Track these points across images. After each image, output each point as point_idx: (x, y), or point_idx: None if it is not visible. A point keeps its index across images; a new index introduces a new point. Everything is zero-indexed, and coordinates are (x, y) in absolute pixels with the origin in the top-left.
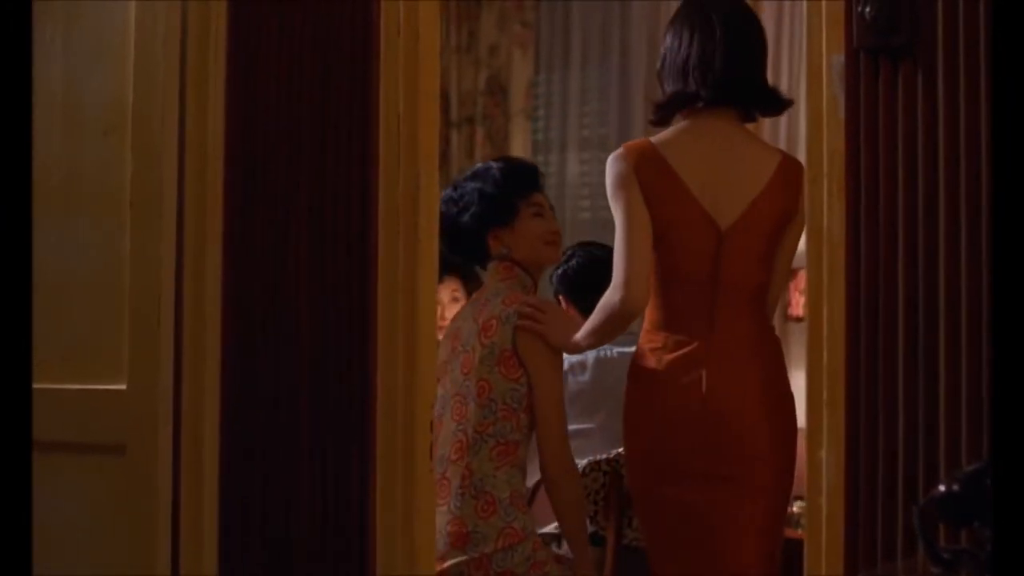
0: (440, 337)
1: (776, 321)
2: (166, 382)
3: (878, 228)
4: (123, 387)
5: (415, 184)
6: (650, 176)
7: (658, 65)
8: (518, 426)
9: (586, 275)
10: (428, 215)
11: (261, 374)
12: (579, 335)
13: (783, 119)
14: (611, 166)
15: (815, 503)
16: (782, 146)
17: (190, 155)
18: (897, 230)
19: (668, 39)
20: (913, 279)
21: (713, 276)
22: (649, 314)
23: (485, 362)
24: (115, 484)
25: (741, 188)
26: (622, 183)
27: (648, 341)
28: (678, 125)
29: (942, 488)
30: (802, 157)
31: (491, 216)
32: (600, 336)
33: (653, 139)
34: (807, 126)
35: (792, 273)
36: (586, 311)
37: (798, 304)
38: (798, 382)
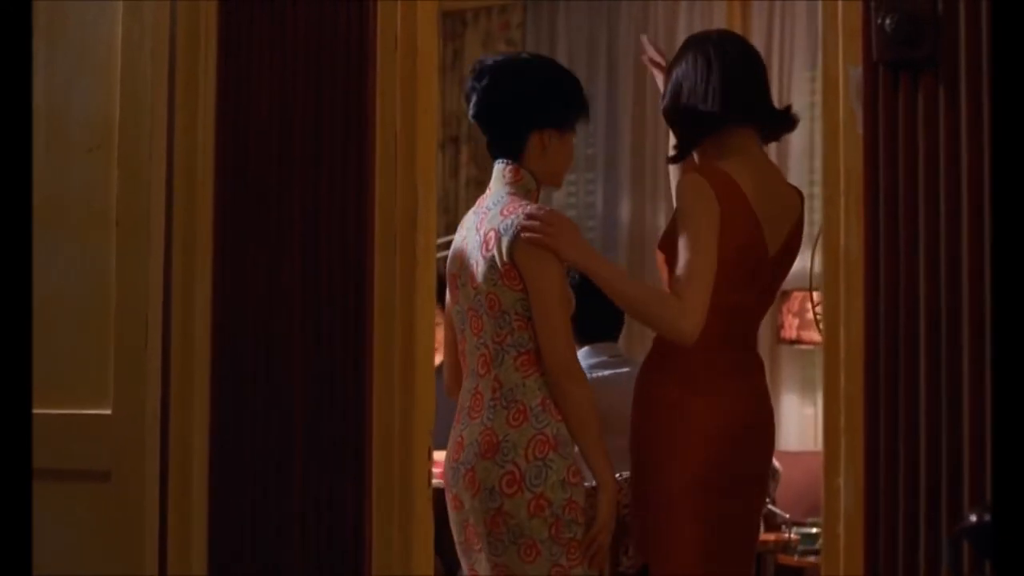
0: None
1: (766, 343)
2: (153, 407)
3: (898, 248)
4: (108, 412)
5: (413, 204)
6: (731, 204)
7: (665, 102)
8: (534, 335)
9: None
10: (426, 236)
11: (252, 399)
12: (610, 278)
13: None
14: (697, 187)
15: (832, 531)
16: (772, 147)
17: (178, 172)
18: (918, 250)
19: (679, 73)
20: (935, 300)
21: (757, 300)
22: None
23: (488, 276)
24: (100, 513)
25: (783, 219)
26: (707, 209)
27: (703, 359)
28: (729, 157)
29: (972, 518)
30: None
31: (552, 113)
32: (627, 306)
33: (721, 166)
34: (823, 141)
35: (785, 295)
36: (578, 337)
37: (791, 327)
38: (788, 403)
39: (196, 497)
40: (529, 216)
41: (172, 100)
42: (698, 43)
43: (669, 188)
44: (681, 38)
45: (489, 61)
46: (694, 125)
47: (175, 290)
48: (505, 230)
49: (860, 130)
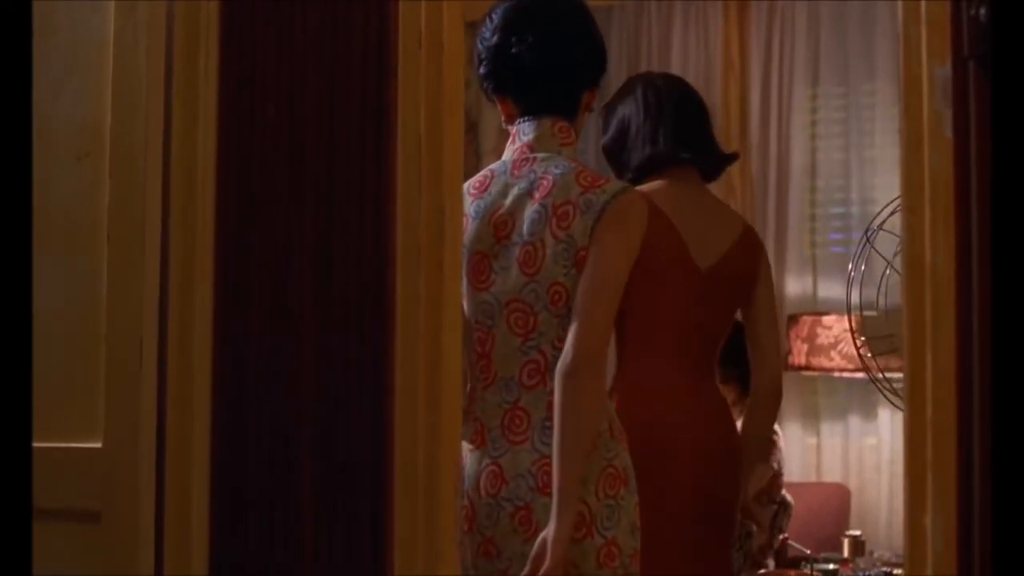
0: None
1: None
2: (148, 440)
3: (993, 263)
4: (98, 445)
5: (439, 215)
6: (651, 223)
7: (607, 139)
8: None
9: None
10: (453, 251)
11: (258, 433)
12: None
13: (772, 148)
14: (640, 206)
15: None
16: (772, 168)
17: (176, 183)
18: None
19: (626, 113)
20: None
21: (691, 319)
22: (632, 355)
23: (560, 260)
24: (89, 557)
25: (718, 235)
26: (641, 230)
27: (632, 385)
28: (654, 183)
29: None
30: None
31: (599, 70)
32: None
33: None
34: (904, 147)
35: (792, 320)
36: None
37: (799, 352)
38: (790, 433)
39: (195, 540)
40: None
41: (169, 103)
42: (644, 83)
43: None
44: (675, 58)
45: None
46: (640, 166)
47: (172, 312)
48: (588, 206)
49: (949, 133)
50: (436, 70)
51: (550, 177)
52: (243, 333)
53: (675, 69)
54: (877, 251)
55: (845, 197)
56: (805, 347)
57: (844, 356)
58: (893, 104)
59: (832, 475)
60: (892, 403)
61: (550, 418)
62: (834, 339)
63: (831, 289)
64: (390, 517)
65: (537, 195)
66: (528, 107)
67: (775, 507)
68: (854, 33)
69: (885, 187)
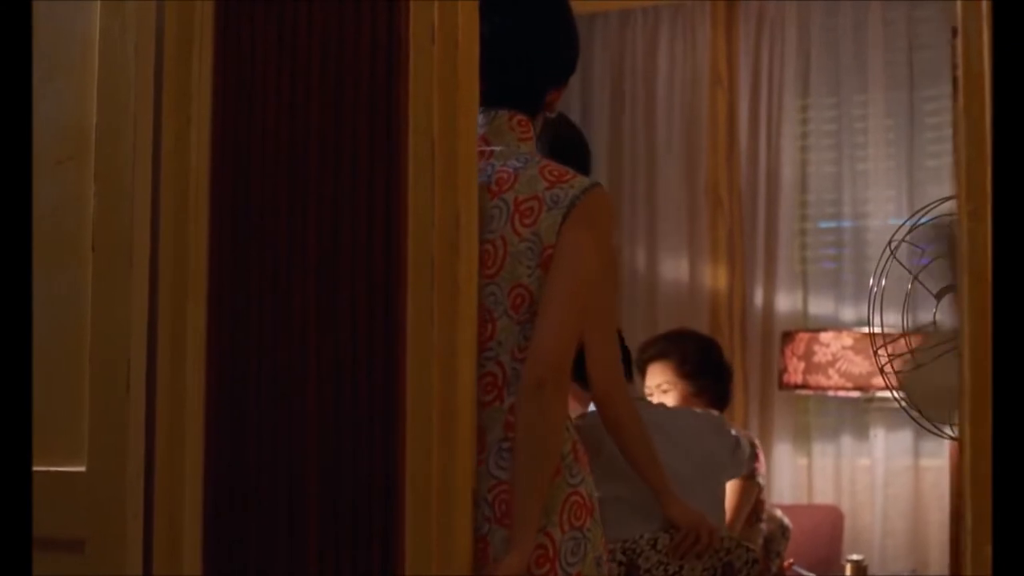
0: None
1: (758, 388)
2: (136, 464)
3: None
4: (82, 469)
5: (453, 224)
6: None
7: None
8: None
9: None
10: (468, 263)
11: (255, 459)
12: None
13: (761, 161)
14: (610, 204)
15: None
16: (761, 181)
17: (166, 190)
18: None
19: None
20: None
21: None
22: None
23: (523, 260)
24: None
25: None
26: (611, 229)
27: None
28: None
29: None
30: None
31: (566, 70)
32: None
33: None
34: (963, 148)
35: (787, 337)
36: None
37: (795, 371)
38: (780, 454)
39: (187, 571)
40: None
41: (159, 105)
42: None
43: (645, 214)
44: (661, 69)
45: None
46: None
47: (162, 327)
48: (555, 201)
49: None
50: (450, 67)
51: (509, 171)
52: (241, 352)
53: (661, 80)
54: (903, 264)
55: (837, 212)
56: (802, 365)
57: (843, 374)
58: (886, 115)
59: (824, 497)
60: (923, 426)
61: (508, 439)
62: (832, 356)
63: (822, 306)
64: (401, 547)
65: (495, 190)
66: (487, 96)
67: (763, 527)
68: (845, 42)
69: (878, 200)
